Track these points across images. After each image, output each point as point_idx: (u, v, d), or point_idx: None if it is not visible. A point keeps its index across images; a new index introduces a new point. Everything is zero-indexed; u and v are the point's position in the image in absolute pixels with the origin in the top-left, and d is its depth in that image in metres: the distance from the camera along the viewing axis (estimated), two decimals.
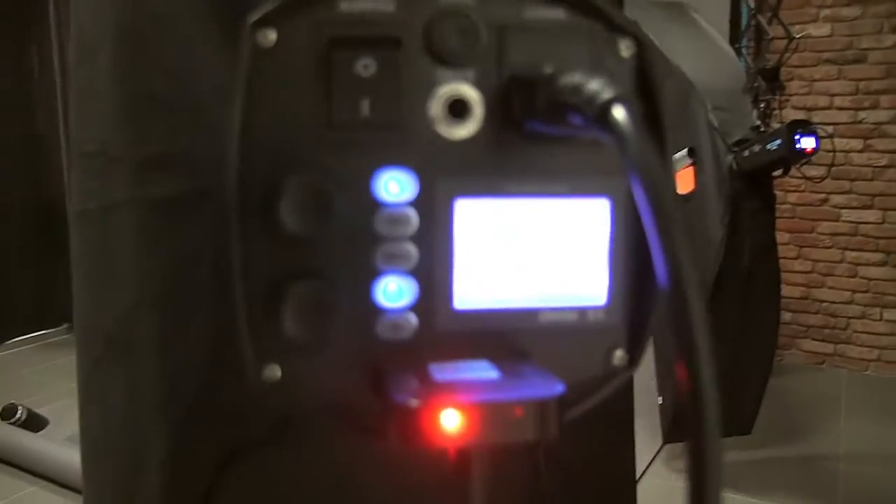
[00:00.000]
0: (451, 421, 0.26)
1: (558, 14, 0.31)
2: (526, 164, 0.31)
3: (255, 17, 0.29)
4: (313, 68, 0.29)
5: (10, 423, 2.53)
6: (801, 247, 3.58)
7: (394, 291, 0.30)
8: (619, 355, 0.33)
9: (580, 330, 0.32)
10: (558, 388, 0.27)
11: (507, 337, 0.31)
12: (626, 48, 0.32)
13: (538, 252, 0.31)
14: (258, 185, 0.29)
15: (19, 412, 2.54)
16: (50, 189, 3.86)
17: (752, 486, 2.38)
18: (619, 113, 0.25)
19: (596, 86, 0.26)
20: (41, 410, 2.64)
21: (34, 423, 2.57)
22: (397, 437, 0.27)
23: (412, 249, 0.30)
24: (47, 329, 3.77)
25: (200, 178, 0.70)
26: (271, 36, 0.29)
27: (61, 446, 2.40)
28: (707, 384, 0.22)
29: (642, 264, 0.33)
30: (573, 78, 0.27)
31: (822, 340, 3.58)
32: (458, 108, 0.30)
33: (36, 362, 3.48)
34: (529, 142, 0.31)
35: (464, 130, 0.30)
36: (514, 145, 0.31)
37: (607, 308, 0.33)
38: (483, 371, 0.29)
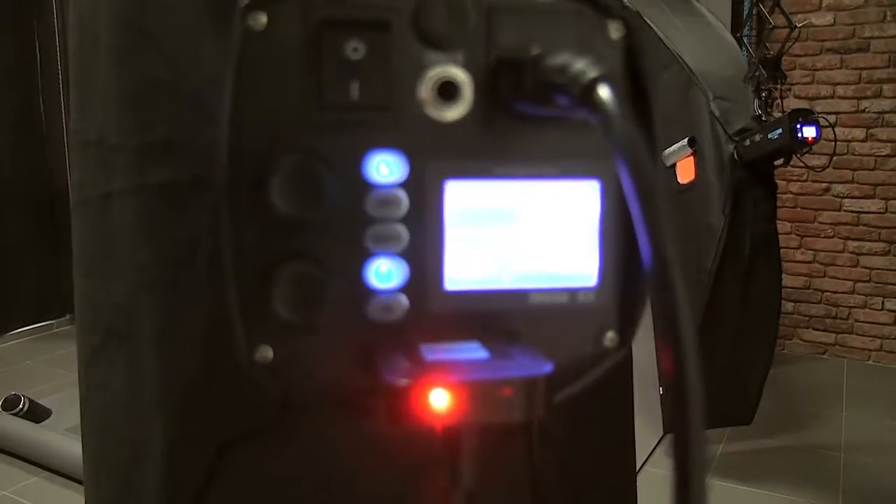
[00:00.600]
0: (439, 400, 0.27)
1: None
2: (516, 146, 0.31)
3: (245, 0, 0.29)
4: (303, 51, 0.29)
5: (13, 414, 2.54)
6: (803, 236, 3.58)
7: (384, 273, 0.30)
8: (609, 336, 0.34)
9: (570, 311, 0.32)
10: (546, 367, 0.28)
11: (498, 318, 0.31)
12: (615, 30, 0.32)
13: (528, 233, 0.31)
14: (249, 167, 0.29)
15: (21, 403, 2.55)
16: (53, 179, 3.86)
17: (753, 475, 2.39)
18: (603, 92, 0.25)
19: (581, 65, 0.26)
20: (43, 401, 2.65)
21: (36, 413, 2.58)
22: (387, 416, 0.27)
23: (403, 231, 0.30)
24: (50, 320, 3.78)
25: (199, 165, 0.70)
26: (262, 19, 0.29)
27: (63, 437, 2.41)
28: (690, 363, 0.22)
29: (633, 246, 0.33)
30: (559, 58, 0.27)
31: (824, 330, 3.58)
32: (447, 91, 0.30)
33: (39, 353, 3.49)
34: (519, 123, 0.31)
35: (453, 112, 0.30)
36: (503, 127, 0.31)
37: (597, 289, 0.33)
38: (473, 352, 0.29)
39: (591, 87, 0.25)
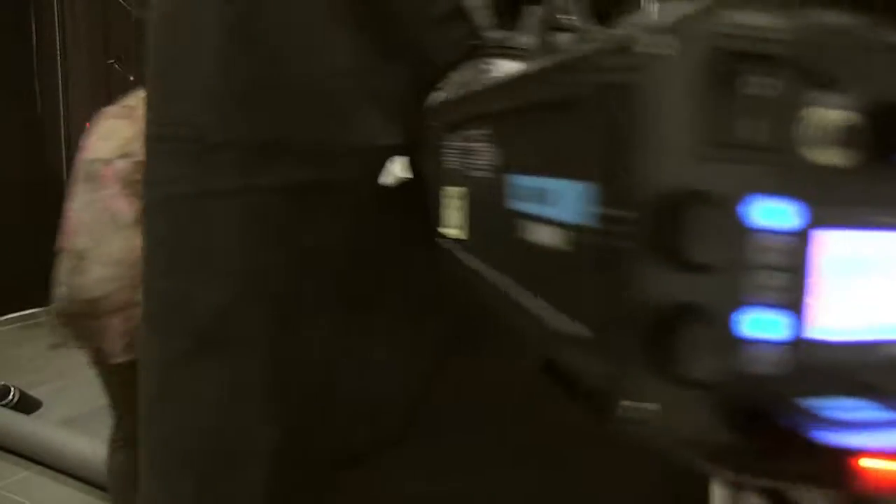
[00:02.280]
0: (872, 466, 0.25)
1: None
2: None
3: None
4: (699, 81, 0.28)
5: (2, 405, 2.47)
6: None
7: (764, 323, 0.29)
8: None
9: None
10: None
11: (870, 372, 0.30)
12: None
13: None
14: (646, 207, 0.27)
15: (11, 393, 2.49)
16: (46, 164, 3.75)
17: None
18: None
19: None
20: (34, 392, 2.58)
21: (27, 405, 2.52)
22: (823, 482, 0.26)
23: (783, 279, 0.29)
24: (35, 308, 3.67)
25: (324, 166, 0.66)
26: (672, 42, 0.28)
27: (55, 429, 2.36)
28: None
29: None
30: None
31: None
32: (838, 135, 0.29)
33: (27, 341, 3.39)
34: None
35: (842, 158, 0.29)
36: (889, 175, 0.29)
37: None
38: (877, 411, 0.28)
39: None
